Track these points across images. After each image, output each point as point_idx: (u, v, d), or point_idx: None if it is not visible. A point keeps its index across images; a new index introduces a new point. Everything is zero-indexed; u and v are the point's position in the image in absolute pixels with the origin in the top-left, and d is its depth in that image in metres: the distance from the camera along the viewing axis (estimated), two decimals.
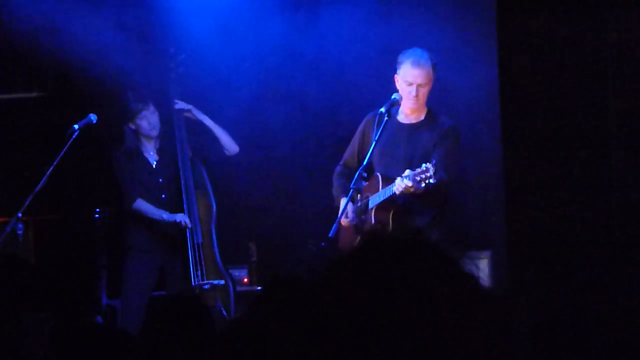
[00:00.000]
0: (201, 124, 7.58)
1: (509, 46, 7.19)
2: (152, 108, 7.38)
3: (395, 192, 6.30)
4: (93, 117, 7.28)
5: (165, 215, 7.34)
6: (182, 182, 7.47)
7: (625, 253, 6.96)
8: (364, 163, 6.42)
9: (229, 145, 7.57)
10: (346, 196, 6.68)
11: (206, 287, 7.33)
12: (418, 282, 1.42)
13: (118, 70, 7.73)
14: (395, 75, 6.63)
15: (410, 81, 6.55)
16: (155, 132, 7.45)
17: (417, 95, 6.55)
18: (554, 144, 7.10)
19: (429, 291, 1.42)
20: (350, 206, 6.64)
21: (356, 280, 1.43)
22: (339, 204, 6.79)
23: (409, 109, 6.65)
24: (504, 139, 7.45)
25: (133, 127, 7.41)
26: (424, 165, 6.16)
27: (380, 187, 6.55)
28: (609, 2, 6.83)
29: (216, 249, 7.49)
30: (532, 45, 7.03)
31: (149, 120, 7.38)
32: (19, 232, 7.34)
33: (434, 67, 6.58)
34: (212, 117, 7.62)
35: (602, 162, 7.01)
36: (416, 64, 6.54)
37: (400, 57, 6.61)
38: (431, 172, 6.10)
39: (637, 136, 6.90)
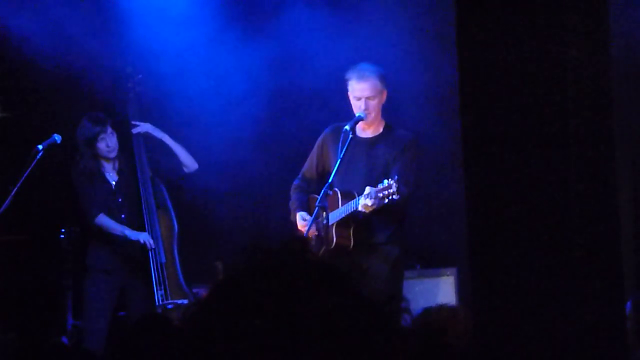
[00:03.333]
0: (160, 142, 7.58)
1: (469, 67, 7.25)
2: (109, 130, 7.36)
3: (357, 209, 6.35)
4: (57, 138, 7.28)
5: (127, 232, 7.32)
6: (143, 201, 7.46)
7: (594, 264, 7.00)
8: (329, 181, 6.45)
9: (189, 162, 7.57)
10: (302, 210, 6.73)
11: (170, 306, 7.31)
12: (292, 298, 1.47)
13: (77, 90, 7.75)
14: (348, 94, 6.69)
15: (358, 95, 6.62)
16: (113, 154, 7.44)
17: (367, 109, 6.59)
18: (517, 167, 7.15)
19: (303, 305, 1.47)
20: (304, 220, 6.68)
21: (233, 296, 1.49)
22: (295, 217, 6.82)
23: (366, 124, 6.70)
24: (464, 153, 7.50)
25: (91, 149, 7.37)
26: (385, 181, 6.20)
27: (340, 202, 6.58)
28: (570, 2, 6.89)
29: (179, 269, 7.48)
30: (493, 66, 7.09)
31: (107, 142, 7.37)
32: None
33: (382, 78, 6.64)
34: (172, 135, 7.63)
35: (565, 172, 7.07)
36: (360, 77, 6.62)
37: (347, 75, 6.69)
38: (394, 189, 6.14)
39: (599, 142, 6.94)
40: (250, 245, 1.57)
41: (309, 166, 6.93)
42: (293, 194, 6.95)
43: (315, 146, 6.90)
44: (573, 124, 7.14)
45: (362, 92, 6.61)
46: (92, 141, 7.32)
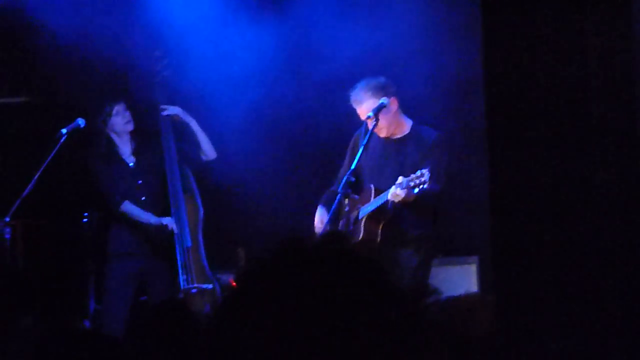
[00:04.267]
0: (187, 126, 7.57)
1: (494, 48, 7.21)
2: (124, 105, 7.37)
3: (388, 199, 6.30)
4: (81, 122, 7.29)
5: (152, 219, 7.32)
6: (170, 185, 7.46)
7: (612, 256, 6.98)
8: (352, 167, 6.41)
9: (208, 150, 7.56)
10: (323, 205, 6.71)
11: (194, 291, 7.32)
12: (330, 290, 1.46)
13: (103, 74, 7.75)
14: None
15: (362, 117, 6.55)
16: (130, 127, 7.42)
17: (377, 122, 6.48)
18: (541, 157, 7.12)
19: (342, 298, 1.45)
20: (325, 215, 6.64)
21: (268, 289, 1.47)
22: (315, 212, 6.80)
23: (388, 127, 6.61)
24: (489, 143, 7.48)
25: (107, 127, 7.36)
26: (418, 171, 6.16)
27: (373, 198, 6.54)
28: (591, 2, 6.86)
29: (203, 254, 7.48)
30: (517, 47, 7.05)
31: (123, 115, 7.37)
32: (6, 236, 7.32)
33: (380, 91, 6.51)
34: (198, 120, 7.62)
35: (586, 164, 7.04)
36: (354, 102, 6.59)
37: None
38: (426, 177, 6.09)
39: (620, 137, 6.91)
40: (288, 236, 1.56)
41: (344, 170, 6.83)
42: (326, 196, 6.89)
43: (348, 150, 6.84)
44: (596, 115, 7.09)
45: (362, 112, 6.55)
46: (107, 118, 7.31)
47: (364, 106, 6.54)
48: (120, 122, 7.38)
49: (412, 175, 6.15)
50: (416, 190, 6.13)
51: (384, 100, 6.53)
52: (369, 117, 6.47)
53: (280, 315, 1.44)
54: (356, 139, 6.76)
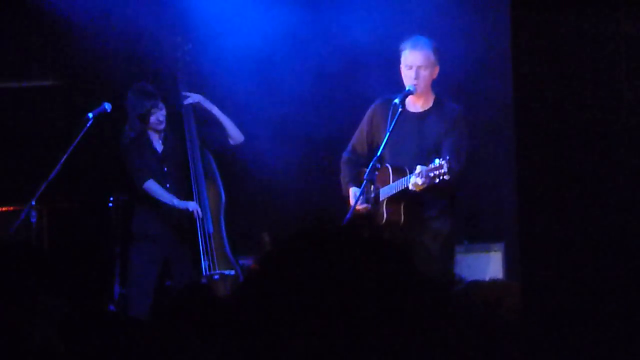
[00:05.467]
0: (209, 113, 7.59)
1: (523, 40, 7.16)
2: (160, 104, 7.40)
3: (408, 187, 6.32)
4: (107, 106, 7.31)
5: (175, 201, 7.34)
6: (192, 172, 7.48)
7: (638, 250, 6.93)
8: (377, 154, 6.41)
9: (235, 134, 7.58)
10: (354, 185, 6.71)
11: (216, 277, 7.33)
12: (351, 271, 1.45)
13: (128, 59, 7.77)
14: (400, 66, 6.64)
15: (409, 64, 6.58)
16: (162, 126, 7.49)
17: (417, 78, 6.55)
18: (568, 140, 7.07)
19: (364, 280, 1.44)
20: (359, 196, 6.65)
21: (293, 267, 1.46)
22: (347, 192, 6.79)
23: (417, 96, 6.64)
24: (517, 132, 7.42)
25: (142, 123, 7.41)
26: (437, 161, 6.16)
27: (391, 178, 6.54)
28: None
29: (225, 239, 7.49)
30: (547, 40, 7.01)
31: (157, 116, 7.41)
32: (32, 219, 7.36)
33: (435, 51, 6.62)
34: (220, 106, 7.63)
35: (616, 160, 6.99)
36: (414, 46, 6.59)
37: (401, 46, 6.66)
38: (445, 169, 6.11)
39: None
40: (313, 218, 1.55)
41: (359, 139, 6.89)
42: (344, 167, 6.92)
43: (365, 118, 6.86)
44: (627, 124, 7.04)
45: (414, 60, 6.58)
46: (144, 116, 7.36)
47: (421, 56, 6.58)
48: (154, 121, 7.43)
49: (431, 166, 6.16)
50: (437, 180, 6.16)
51: (410, 87, 6.54)
52: (395, 105, 6.47)
53: (303, 298, 1.43)
54: (376, 110, 6.76)
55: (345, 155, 6.93)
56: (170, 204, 7.32)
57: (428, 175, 6.17)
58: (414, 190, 6.35)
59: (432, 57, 6.59)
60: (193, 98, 7.61)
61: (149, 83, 7.50)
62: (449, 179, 6.17)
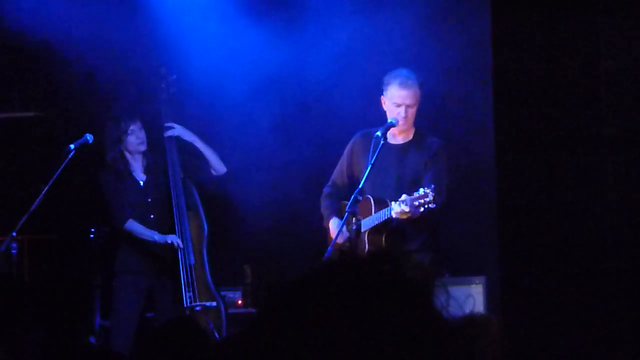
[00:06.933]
0: (191, 145, 7.60)
1: (503, 39, 7.18)
2: (139, 124, 7.40)
3: (391, 216, 6.30)
4: (89, 137, 7.30)
5: (156, 237, 7.33)
6: (174, 203, 7.48)
7: (625, 277, 6.95)
8: (359, 187, 6.41)
9: (217, 166, 7.59)
10: (336, 216, 6.71)
11: (198, 308, 7.31)
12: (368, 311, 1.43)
13: (111, 90, 7.78)
14: (382, 97, 6.63)
15: (398, 102, 6.56)
16: (143, 147, 7.46)
17: (406, 117, 6.56)
18: (549, 173, 7.10)
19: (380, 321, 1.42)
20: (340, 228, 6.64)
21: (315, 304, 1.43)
22: (328, 224, 6.80)
23: (398, 130, 6.65)
24: (497, 164, 7.46)
25: (121, 145, 7.39)
26: (421, 190, 6.16)
27: (373, 209, 6.54)
28: (604, 4, 6.83)
29: (207, 271, 7.48)
30: (526, 40, 7.01)
31: (137, 135, 7.40)
32: (13, 251, 7.32)
33: (421, 87, 6.61)
34: (203, 137, 7.64)
35: (597, 186, 7.01)
36: (403, 85, 6.55)
37: (387, 79, 6.62)
38: (430, 197, 6.11)
39: (634, 147, 6.86)
40: (335, 258, 1.53)
41: (339, 173, 6.90)
42: (324, 201, 6.92)
43: (345, 152, 6.88)
44: (607, 130, 7.06)
45: (404, 99, 6.55)
46: (122, 135, 7.34)
47: (411, 94, 6.54)
48: (135, 141, 7.41)
49: (415, 194, 6.16)
50: (422, 209, 6.15)
51: (392, 120, 6.55)
52: (377, 137, 6.47)
53: (325, 337, 1.40)
54: (357, 143, 6.77)
55: (326, 190, 6.94)
56: (152, 240, 7.32)
57: (412, 203, 6.15)
58: (398, 221, 6.34)
59: (418, 94, 6.59)
60: (174, 131, 7.62)
61: (130, 108, 7.52)
62: (434, 207, 6.15)
